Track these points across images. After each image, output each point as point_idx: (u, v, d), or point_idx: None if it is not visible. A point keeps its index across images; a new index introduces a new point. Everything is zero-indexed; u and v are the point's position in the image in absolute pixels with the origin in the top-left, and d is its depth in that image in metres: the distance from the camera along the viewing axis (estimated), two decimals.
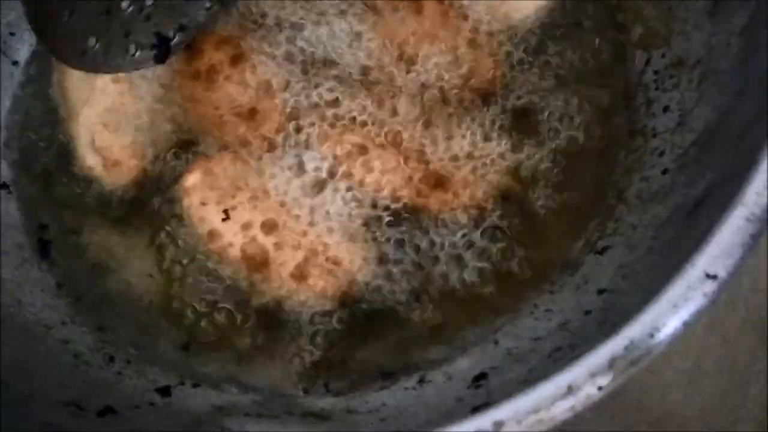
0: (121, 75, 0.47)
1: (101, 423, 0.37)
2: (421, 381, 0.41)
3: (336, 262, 0.43)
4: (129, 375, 0.43)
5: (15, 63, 0.52)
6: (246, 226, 0.44)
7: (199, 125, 0.47)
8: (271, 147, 0.46)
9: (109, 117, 0.48)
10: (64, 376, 0.41)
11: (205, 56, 0.47)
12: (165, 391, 0.41)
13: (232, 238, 0.44)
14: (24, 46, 0.53)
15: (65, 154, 0.49)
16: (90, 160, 0.48)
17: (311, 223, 0.44)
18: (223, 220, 0.44)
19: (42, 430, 0.32)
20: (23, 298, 0.45)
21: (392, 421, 0.37)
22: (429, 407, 0.35)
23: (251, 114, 0.46)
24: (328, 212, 0.44)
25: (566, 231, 0.45)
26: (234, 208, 0.44)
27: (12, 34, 0.52)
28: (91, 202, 0.48)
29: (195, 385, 0.43)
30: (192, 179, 0.45)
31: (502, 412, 0.28)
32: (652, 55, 0.46)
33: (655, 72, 0.46)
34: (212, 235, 0.44)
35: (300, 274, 0.43)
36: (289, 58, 0.47)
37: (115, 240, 0.47)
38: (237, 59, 0.47)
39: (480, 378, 0.38)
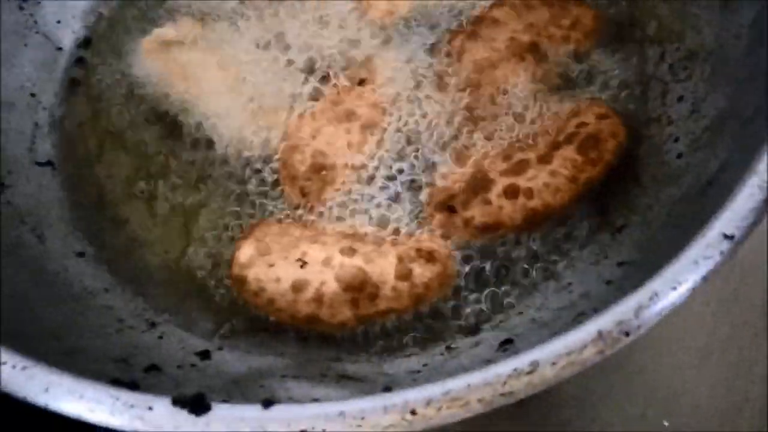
0: None
1: (148, 377, 0.38)
2: (449, 348, 0.43)
3: (429, 252, 0.45)
4: (170, 339, 0.45)
5: (59, 49, 0.55)
6: (327, 261, 0.44)
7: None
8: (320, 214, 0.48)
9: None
10: (109, 337, 0.43)
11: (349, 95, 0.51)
12: (205, 355, 0.43)
13: (322, 277, 0.44)
14: (68, 33, 0.56)
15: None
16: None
17: (383, 235, 0.47)
18: (302, 267, 0.44)
19: (95, 376, 0.33)
20: (69, 266, 0.48)
21: (424, 382, 0.39)
22: (460, 369, 0.37)
23: (320, 168, 0.49)
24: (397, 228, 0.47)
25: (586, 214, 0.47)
26: (305, 253, 0.45)
27: (58, 22, 0.55)
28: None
29: (233, 350, 0.44)
30: (246, 253, 0.46)
31: (538, 353, 0.30)
32: (666, 49, 0.49)
33: (670, 65, 0.49)
34: (298, 285, 0.44)
35: (403, 274, 0.44)
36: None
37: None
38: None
39: (506, 343, 0.40)
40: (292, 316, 0.44)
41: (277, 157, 0.50)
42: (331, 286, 0.44)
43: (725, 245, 0.32)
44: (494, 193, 0.46)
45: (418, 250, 0.45)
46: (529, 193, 0.46)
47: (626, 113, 0.49)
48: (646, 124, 0.48)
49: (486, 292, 0.45)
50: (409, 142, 0.50)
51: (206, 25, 0.54)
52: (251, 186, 0.50)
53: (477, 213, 0.46)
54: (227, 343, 0.45)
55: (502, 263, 0.46)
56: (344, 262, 0.44)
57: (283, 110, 0.51)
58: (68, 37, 0.56)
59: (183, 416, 0.30)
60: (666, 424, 0.50)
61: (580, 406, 0.51)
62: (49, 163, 0.52)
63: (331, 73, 0.52)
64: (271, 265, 0.45)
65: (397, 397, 0.30)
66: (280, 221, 0.48)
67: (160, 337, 0.45)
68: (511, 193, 0.46)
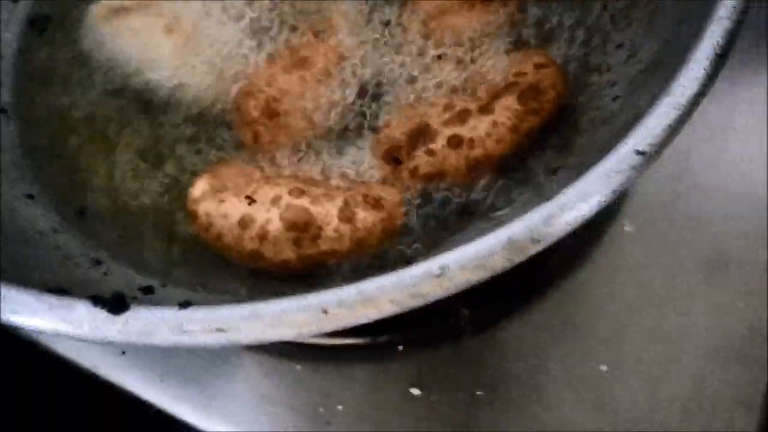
0: None
1: None
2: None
3: (376, 199, 0.45)
4: (115, 275, 0.45)
5: (16, 1, 0.56)
6: (275, 200, 0.45)
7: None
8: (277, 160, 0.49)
9: None
10: (53, 272, 0.44)
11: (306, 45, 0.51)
12: (148, 290, 0.44)
13: (267, 215, 0.44)
14: None
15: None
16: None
17: (332, 181, 0.48)
18: (250, 204, 0.45)
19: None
20: (19, 208, 0.48)
21: None
22: None
23: (273, 113, 0.49)
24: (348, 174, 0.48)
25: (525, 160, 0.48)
26: (255, 192, 0.45)
27: None
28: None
29: (177, 287, 0.45)
30: (200, 188, 0.46)
31: (447, 258, 0.31)
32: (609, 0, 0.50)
33: (611, 15, 0.50)
34: (244, 221, 0.44)
35: (346, 217, 0.44)
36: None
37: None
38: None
39: None
40: (238, 252, 0.45)
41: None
42: (276, 225, 0.44)
43: (636, 160, 0.33)
44: (438, 144, 0.47)
45: (365, 196, 0.45)
46: (472, 143, 0.47)
47: (568, 63, 0.50)
48: (588, 73, 0.49)
49: (426, 232, 0.46)
50: (362, 90, 0.50)
51: None
52: (206, 135, 0.51)
53: (422, 163, 0.47)
54: (173, 279, 0.45)
55: (444, 207, 0.47)
56: (291, 202, 0.45)
57: (237, 65, 0.52)
58: None
59: (102, 316, 0.31)
60: (604, 369, 0.51)
61: (520, 353, 0.52)
62: (2, 110, 0.52)
63: (287, 25, 0.53)
64: (222, 201, 0.45)
65: (311, 298, 0.30)
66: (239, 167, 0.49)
67: (105, 274, 0.45)
68: (454, 143, 0.47)
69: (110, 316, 0.30)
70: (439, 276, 0.30)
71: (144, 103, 0.52)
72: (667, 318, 0.52)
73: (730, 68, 0.57)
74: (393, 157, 0.47)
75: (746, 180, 0.55)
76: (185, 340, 0.30)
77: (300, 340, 0.51)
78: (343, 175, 0.48)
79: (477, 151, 0.46)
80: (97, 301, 0.31)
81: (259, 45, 0.52)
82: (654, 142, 0.33)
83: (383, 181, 0.47)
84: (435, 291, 0.30)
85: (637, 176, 0.32)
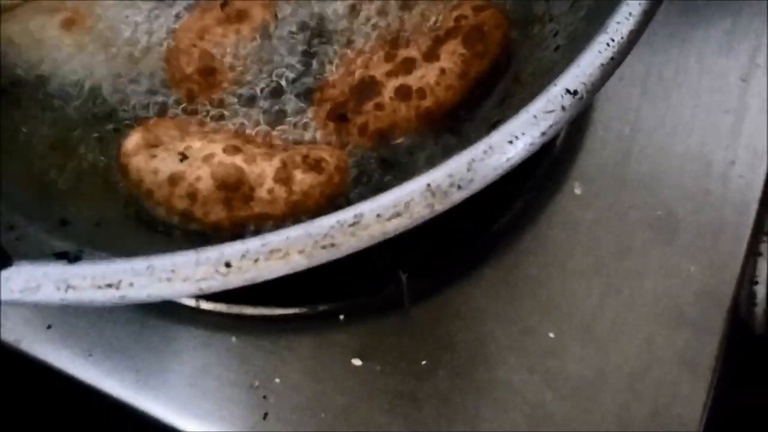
0: None
1: None
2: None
3: (317, 160, 0.42)
4: (28, 241, 0.42)
5: None
6: (207, 158, 0.42)
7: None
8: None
9: None
10: None
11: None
12: (63, 255, 0.41)
13: (198, 172, 0.41)
14: None
15: None
16: None
17: (274, 140, 0.45)
18: (181, 160, 0.42)
19: None
20: None
21: None
22: None
23: (210, 71, 0.47)
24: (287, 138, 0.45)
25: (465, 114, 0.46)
26: (188, 148, 0.43)
27: None
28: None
29: (95, 253, 0.42)
30: (132, 141, 0.44)
31: (364, 206, 0.28)
32: None
33: None
34: (174, 178, 0.42)
35: (282, 179, 0.42)
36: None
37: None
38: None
39: None
40: (169, 210, 0.42)
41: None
42: (206, 183, 0.41)
43: (567, 100, 0.31)
44: (386, 96, 0.44)
45: (305, 157, 0.42)
46: (422, 93, 0.44)
47: (511, 15, 0.48)
48: (530, 24, 0.47)
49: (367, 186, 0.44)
50: (304, 44, 0.48)
51: None
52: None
53: (371, 118, 0.44)
54: (93, 245, 0.43)
55: (384, 158, 0.45)
56: (224, 160, 0.42)
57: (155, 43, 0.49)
58: None
59: None
60: (552, 335, 0.49)
61: (465, 320, 0.50)
62: None
63: None
64: (154, 156, 0.43)
65: (211, 251, 0.28)
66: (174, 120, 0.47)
67: (18, 239, 0.42)
68: (403, 94, 0.44)
69: None
70: (353, 225, 0.28)
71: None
72: (616, 282, 0.50)
73: (680, 28, 0.56)
74: (339, 115, 0.45)
75: (696, 141, 0.54)
76: (71, 296, 0.27)
77: (227, 311, 0.48)
78: (285, 137, 0.45)
79: (428, 101, 0.44)
80: None
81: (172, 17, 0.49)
82: (587, 81, 0.31)
83: (328, 143, 0.45)
84: (349, 241, 0.28)
85: (567, 118, 0.30)
